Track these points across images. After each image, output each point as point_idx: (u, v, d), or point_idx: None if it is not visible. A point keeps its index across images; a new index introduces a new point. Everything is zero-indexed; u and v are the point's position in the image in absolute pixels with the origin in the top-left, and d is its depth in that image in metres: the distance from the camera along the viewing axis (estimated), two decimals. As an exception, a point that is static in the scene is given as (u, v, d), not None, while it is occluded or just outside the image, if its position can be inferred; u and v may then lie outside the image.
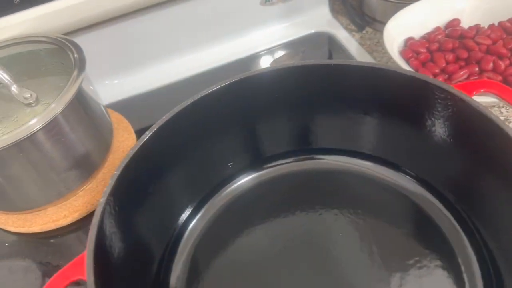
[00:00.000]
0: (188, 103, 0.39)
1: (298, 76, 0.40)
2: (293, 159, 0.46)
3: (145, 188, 0.38)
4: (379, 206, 0.41)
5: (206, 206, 0.43)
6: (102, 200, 0.33)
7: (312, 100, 0.41)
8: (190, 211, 0.43)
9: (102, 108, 0.51)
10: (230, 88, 0.40)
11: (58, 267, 0.45)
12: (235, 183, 0.45)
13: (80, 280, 0.30)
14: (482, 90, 0.35)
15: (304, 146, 0.45)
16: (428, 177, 0.41)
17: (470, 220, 0.38)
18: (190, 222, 0.43)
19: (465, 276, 0.36)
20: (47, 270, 0.45)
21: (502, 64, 0.48)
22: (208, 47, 0.67)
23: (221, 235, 0.42)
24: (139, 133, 0.57)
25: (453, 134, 0.36)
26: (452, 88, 0.34)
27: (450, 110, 0.35)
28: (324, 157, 0.45)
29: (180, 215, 0.43)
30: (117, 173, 0.35)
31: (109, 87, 0.64)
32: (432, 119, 0.37)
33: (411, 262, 0.38)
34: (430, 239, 0.39)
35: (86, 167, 0.48)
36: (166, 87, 0.65)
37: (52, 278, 0.30)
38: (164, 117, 0.38)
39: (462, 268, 0.37)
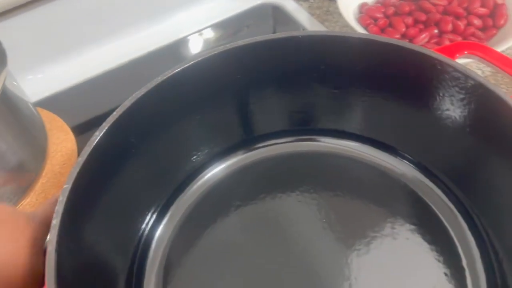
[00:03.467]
0: (141, 94, 0.33)
1: (263, 52, 0.36)
2: (268, 143, 0.41)
3: (100, 198, 0.32)
4: (364, 188, 0.38)
5: (172, 208, 0.38)
6: (56, 221, 0.27)
7: (286, 77, 0.37)
8: (155, 216, 0.38)
9: (31, 107, 0.44)
10: (191, 70, 0.35)
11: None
12: (202, 177, 0.40)
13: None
14: (465, 52, 0.32)
15: (287, 127, 0.41)
16: (425, 161, 0.38)
17: (469, 207, 0.36)
18: (157, 229, 0.37)
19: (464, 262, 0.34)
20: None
21: (461, 24, 0.47)
22: (141, 30, 0.61)
23: (193, 238, 0.37)
24: (76, 130, 0.50)
25: (446, 108, 0.34)
26: (437, 54, 0.31)
27: (435, 79, 0.33)
28: (316, 138, 0.41)
29: (144, 222, 0.37)
30: (67, 186, 0.29)
31: (33, 83, 0.56)
32: (417, 90, 0.34)
33: (408, 253, 0.35)
34: (426, 225, 0.36)
35: (21, 179, 0.41)
36: (95, 78, 0.58)
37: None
38: (115, 113, 0.32)
39: (463, 257, 0.34)
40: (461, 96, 0.32)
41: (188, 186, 0.40)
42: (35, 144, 0.42)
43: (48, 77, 0.56)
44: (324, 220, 0.37)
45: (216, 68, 0.36)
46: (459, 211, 0.36)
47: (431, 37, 0.47)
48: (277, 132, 0.41)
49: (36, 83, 0.55)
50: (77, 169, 0.30)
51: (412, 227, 0.36)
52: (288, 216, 0.38)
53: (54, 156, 0.45)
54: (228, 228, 0.37)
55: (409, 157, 0.39)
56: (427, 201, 0.37)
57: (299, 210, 0.38)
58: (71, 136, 0.48)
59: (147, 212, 0.38)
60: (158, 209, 0.38)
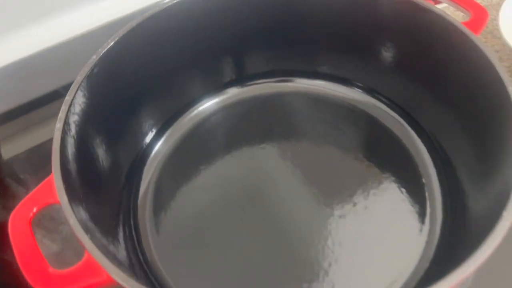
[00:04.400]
0: (134, 24, 0.36)
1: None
2: (258, 81, 0.45)
3: (101, 109, 0.36)
4: (331, 121, 0.43)
5: (170, 129, 0.42)
6: (59, 125, 0.30)
7: (259, 21, 0.41)
8: (153, 133, 0.42)
9: None
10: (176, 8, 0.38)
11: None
12: (198, 107, 0.44)
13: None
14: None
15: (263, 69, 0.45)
16: (382, 90, 0.42)
17: (421, 122, 0.40)
18: (155, 145, 0.42)
19: (421, 171, 0.38)
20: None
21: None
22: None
23: (184, 161, 0.41)
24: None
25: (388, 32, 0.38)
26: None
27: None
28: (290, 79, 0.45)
29: (144, 138, 0.41)
30: (68, 98, 0.32)
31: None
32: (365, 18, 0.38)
33: (370, 169, 0.39)
34: (389, 151, 0.40)
35: None
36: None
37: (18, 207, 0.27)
38: (110, 40, 0.35)
39: (419, 166, 0.39)
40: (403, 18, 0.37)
41: (183, 115, 0.43)
42: None
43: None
44: (299, 149, 0.41)
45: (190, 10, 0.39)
46: (411, 127, 0.41)
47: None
48: (260, 73, 0.45)
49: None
50: (76, 86, 0.33)
51: (373, 147, 0.41)
52: (264, 156, 0.41)
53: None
54: (215, 157, 0.41)
55: (366, 87, 0.43)
56: (387, 125, 0.41)
57: (273, 150, 0.41)
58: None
59: (150, 129, 0.42)
60: (159, 127, 0.42)
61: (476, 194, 0.33)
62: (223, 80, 0.45)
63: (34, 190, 0.28)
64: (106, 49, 0.35)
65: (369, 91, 0.43)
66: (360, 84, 0.44)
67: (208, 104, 0.44)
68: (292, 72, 0.45)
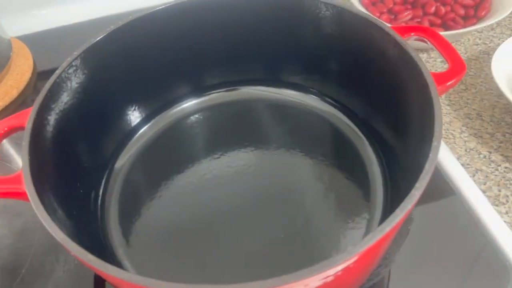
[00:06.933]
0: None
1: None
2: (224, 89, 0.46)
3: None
4: (283, 121, 0.44)
5: (155, 119, 0.44)
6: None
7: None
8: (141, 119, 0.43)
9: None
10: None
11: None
12: (178, 106, 0.45)
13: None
14: (412, 34, 0.35)
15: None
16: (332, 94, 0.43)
17: (362, 117, 0.41)
18: (139, 129, 0.43)
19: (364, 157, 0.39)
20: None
21: (443, 9, 0.51)
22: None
23: (162, 152, 0.42)
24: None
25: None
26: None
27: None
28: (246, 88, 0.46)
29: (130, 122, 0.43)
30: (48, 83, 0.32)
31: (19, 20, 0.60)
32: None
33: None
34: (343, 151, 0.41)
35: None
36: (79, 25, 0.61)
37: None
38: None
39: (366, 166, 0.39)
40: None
41: (169, 109, 0.44)
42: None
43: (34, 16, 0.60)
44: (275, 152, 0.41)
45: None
46: (355, 125, 0.41)
47: (414, 16, 0.52)
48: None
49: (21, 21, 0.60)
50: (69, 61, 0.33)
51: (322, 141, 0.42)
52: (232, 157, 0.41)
53: (12, 73, 0.53)
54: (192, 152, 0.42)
55: (316, 91, 0.44)
56: (340, 127, 0.42)
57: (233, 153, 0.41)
58: (30, 62, 0.55)
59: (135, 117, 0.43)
60: (144, 116, 0.43)
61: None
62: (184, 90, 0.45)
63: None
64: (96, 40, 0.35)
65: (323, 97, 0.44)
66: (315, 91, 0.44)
67: (191, 103, 0.45)
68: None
